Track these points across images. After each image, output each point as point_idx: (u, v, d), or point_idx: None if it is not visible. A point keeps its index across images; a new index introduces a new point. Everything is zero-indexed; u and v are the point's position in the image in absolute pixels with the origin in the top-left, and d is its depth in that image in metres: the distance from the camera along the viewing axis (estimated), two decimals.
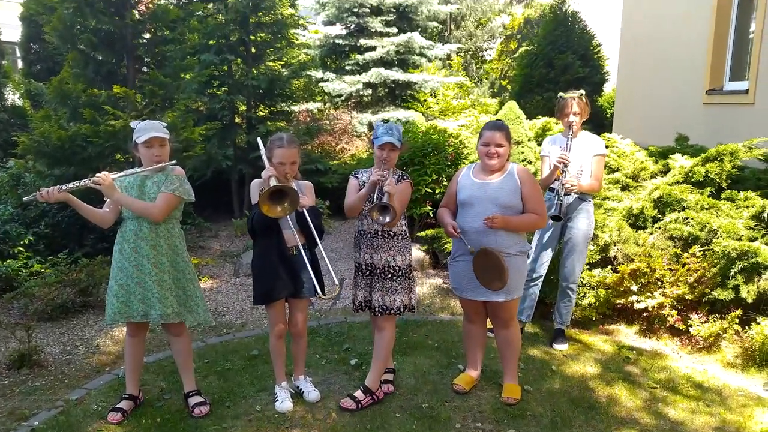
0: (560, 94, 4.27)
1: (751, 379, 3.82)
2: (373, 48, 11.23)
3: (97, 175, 3.04)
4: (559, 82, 10.14)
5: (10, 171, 6.67)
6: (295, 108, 9.97)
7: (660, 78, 8.28)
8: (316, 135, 9.71)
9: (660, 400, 3.53)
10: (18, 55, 13.10)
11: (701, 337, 4.15)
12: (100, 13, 6.47)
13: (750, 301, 4.05)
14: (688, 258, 4.35)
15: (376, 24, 11.24)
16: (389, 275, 3.34)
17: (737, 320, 4.09)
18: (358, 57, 11.27)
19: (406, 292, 3.39)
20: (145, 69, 7.18)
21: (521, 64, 11.55)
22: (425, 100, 11.63)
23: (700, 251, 4.34)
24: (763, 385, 3.72)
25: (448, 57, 14.85)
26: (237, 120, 8.99)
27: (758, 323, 3.98)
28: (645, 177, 5.78)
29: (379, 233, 3.34)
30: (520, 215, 3.31)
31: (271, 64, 9.16)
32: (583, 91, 4.20)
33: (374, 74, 10.72)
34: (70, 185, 3.03)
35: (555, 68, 10.48)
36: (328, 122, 10.51)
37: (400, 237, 3.38)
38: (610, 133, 7.20)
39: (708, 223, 4.41)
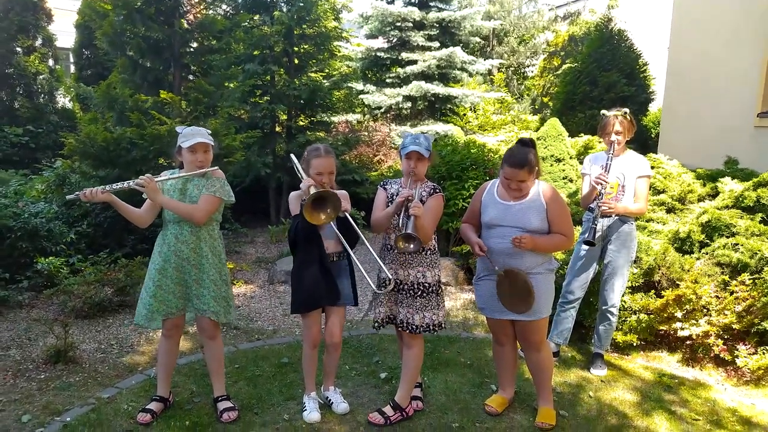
0: (603, 111, 4.13)
1: None
2: (415, 62, 11.25)
3: (141, 177, 3.07)
4: (603, 100, 9.95)
5: (57, 171, 6.85)
6: (335, 119, 10.06)
7: (709, 99, 8.03)
8: (355, 146, 9.76)
9: None
10: (71, 60, 13.64)
11: (749, 369, 3.95)
12: (149, 20, 6.65)
13: None
14: (736, 286, 4.15)
15: (418, 38, 11.26)
16: (419, 292, 3.24)
17: None
18: (399, 70, 11.30)
19: (436, 308, 3.28)
20: (191, 77, 7.34)
21: (564, 81, 11.39)
22: (464, 115, 11.55)
23: (749, 279, 4.14)
24: None
25: (490, 72, 14.73)
26: (277, 129, 9.12)
27: None
28: (692, 200, 5.59)
29: None
30: (548, 235, 3.19)
31: (313, 75, 9.27)
32: (627, 110, 4.05)
33: (414, 87, 10.71)
34: (114, 186, 3.07)
35: (599, 86, 10.30)
36: (366, 134, 10.54)
37: (429, 252, 3.27)
38: (655, 153, 7.02)
39: (759, 251, 4.22)
